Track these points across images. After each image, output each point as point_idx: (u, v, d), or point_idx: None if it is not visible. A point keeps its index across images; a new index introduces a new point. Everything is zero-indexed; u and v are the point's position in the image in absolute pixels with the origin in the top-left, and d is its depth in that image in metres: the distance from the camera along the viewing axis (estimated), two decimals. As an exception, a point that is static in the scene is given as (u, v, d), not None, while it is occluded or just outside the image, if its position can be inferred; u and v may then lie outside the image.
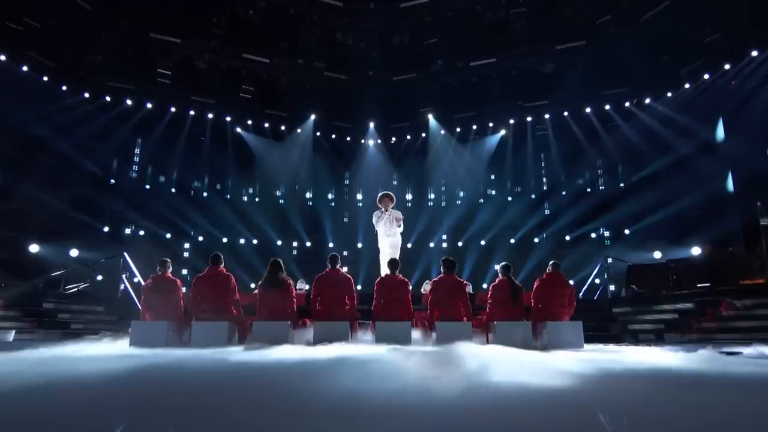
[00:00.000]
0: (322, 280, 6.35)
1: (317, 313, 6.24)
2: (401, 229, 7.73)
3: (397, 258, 7.05)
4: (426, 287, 7.59)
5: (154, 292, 6.43)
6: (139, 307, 6.69)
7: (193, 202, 18.59)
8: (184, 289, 6.92)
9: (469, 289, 7.94)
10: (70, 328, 9.12)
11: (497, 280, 6.60)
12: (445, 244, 19.54)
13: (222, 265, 6.49)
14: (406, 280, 6.52)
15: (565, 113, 17.47)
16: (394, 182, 20.74)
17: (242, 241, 18.92)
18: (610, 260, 11.70)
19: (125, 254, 11.34)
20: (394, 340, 5.80)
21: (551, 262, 6.75)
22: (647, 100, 15.87)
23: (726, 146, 14.02)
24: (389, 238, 7.60)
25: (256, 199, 20.05)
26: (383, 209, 7.69)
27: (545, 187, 19.78)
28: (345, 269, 7.39)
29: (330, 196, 21.05)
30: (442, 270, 6.58)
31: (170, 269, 6.65)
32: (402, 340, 5.85)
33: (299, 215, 19.68)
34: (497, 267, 6.87)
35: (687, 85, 14.79)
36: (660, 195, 15.04)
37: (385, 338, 5.95)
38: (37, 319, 8.97)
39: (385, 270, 7.24)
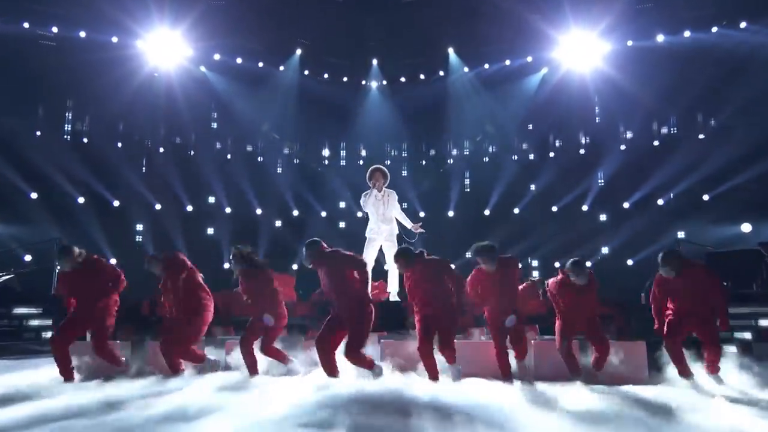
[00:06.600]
0: None
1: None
2: (398, 213, 7.66)
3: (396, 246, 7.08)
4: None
5: None
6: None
7: (147, 161, 18.19)
8: None
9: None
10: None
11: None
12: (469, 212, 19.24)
13: None
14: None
15: (629, 42, 16.54)
16: (404, 135, 20.45)
17: (211, 201, 18.73)
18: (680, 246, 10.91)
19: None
20: (405, 364, 5.86)
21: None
22: (742, 24, 14.96)
23: None
24: (383, 225, 7.47)
25: (228, 156, 19.62)
26: (376, 189, 7.59)
27: (595, 140, 19.13)
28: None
29: (323, 153, 20.77)
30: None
31: None
32: (415, 366, 5.81)
33: (283, 177, 19.31)
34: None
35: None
36: (751, 148, 14.52)
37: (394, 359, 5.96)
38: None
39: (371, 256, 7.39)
